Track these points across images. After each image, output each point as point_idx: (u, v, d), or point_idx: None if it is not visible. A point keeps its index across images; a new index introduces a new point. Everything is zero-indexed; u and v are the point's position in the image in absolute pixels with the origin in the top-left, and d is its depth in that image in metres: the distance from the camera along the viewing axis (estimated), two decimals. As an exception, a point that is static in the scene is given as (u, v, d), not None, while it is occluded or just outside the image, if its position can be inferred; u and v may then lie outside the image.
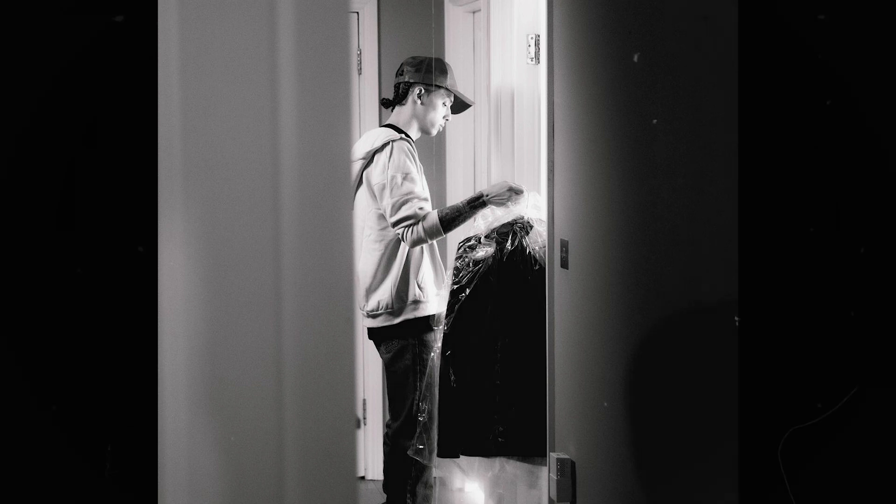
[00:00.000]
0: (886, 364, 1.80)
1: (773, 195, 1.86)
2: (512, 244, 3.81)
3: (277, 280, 1.33)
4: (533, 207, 3.90)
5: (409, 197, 3.98)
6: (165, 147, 1.29)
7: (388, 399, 4.26)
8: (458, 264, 3.88)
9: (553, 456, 3.16)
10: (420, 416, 4.06)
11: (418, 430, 4.05)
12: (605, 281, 2.77)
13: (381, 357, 4.24)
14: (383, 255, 4.09)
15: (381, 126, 4.49)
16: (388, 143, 4.05)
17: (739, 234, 1.92)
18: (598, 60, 2.79)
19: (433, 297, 4.12)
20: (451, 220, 3.98)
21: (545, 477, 3.42)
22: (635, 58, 2.16)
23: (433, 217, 3.97)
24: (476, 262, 3.84)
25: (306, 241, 1.34)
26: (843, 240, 1.82)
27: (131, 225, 1.30)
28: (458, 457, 3.89)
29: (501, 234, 3.85)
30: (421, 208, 3.98)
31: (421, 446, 4.04)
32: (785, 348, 1.87)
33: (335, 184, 1.35)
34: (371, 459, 5.23)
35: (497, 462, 3.83)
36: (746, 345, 1.90)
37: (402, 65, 4.27)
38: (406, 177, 4.00)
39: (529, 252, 3.80)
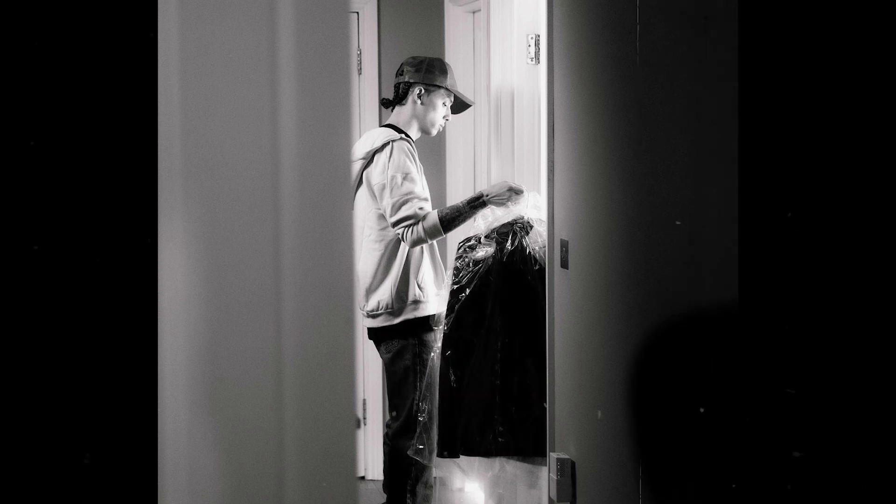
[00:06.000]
0: (887, 363, 1.80)
1: (774, 195, 1.86)
2: (512, 244, 3.81)
3: (277, 280, 1.33)
4: (533, 207, 3.90)
5: (409, 197, 3.98)
6: (165, 147, 1.29)
7: (388, 399, 4.26)
8: (458, 264, 3.88)
9: (553, 456, 3.16)
10: (420, 416, 4.06)
11: (418, 430, 4.05)
12: (605, 281, 2.77)
13: (381, 357, 4.24)
14: (383, 255, 4.09)
15: (381, 126, 4.49)
16: (388, 143, 4.05)
17: (739, 234, 1.92)
18: (598, 60, 2.79)
19: (433, 297, 4.13)
20: (451, 220, 3.98)
21: (545, 477, 3.42)
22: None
23: (433, 217, 3.97)
24: (476, 262, 3.84)
25: (306, 241, 1.34)
26: (843, 239, 1.82)
27: (131, 225, 1.30)
28: (458, 457, 3.89)
29: (501, 234, 3.85)
30: (421, 208, 3.98)
31: (421, 446, 4.04)
32: (785, 348, 1.87)
33: (335, 184, 1.35)
34: (371, 459, 5.23)
35: (497, 462, 3.83)
36: (747, 345, 1.90)
37: (402, 65, 4.27)
38: (406, 177, 4.00)
39: (529, 252, 3.80)
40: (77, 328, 1.29)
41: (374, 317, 4.14)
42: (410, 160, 4.04)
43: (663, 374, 2.41)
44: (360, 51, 5.16)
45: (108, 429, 1.30)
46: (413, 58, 4.28)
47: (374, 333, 4.21)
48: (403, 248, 4.07)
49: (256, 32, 1.31)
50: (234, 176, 1.32)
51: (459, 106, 4.32)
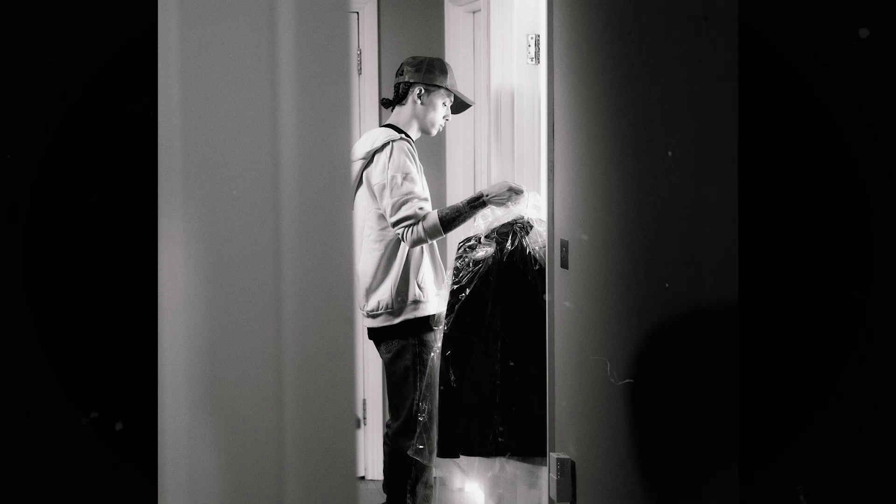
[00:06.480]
0: (888, 363, 1.80)
1: (774, 195, 1.86)
2: (512, 244, 3.81)
3: (277, 280, 1.33)
4: (533, 207, 3.90)
5: (409, 197, 3.98)
6: (165, 147, 1.29)
7: (388, 399, 4.26)
8: (458, 264, 3.88)
9: (553, 456, 3.16)
10: (420, 416, 4.06)
11: (418, 430, 4.05)
12: (605, 281, 2.77)
13: (381, 357, 4.24)
14: (383, 255, 4.09)
15: (381, 126, 4.49)
16: (388, 143, 4.05)
17: (739, 234, 1.92)
18: (598, 60, 2.79)
19: (433, 297, 4.13)
20: (451, 220, 3.98)
21: (545, 477, 3.42)
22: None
23: (433, 217, 3.97)
24: (476, 262, 3.84)
25: (306, 241, 1.33)
26: (843, 239, 1.82)
27: (131, 225, 1.30)
28: (458, 457, 3.89)
29: (501, 234, 3.85)
30: (421, 208, 3.98)
31: (421, 446, 4.04)
32: (786, 348, 1.87)
33: (335, 184, 1.35)
34: (371, 459, 5.23)
35: (497, 462, 3.83)
36: (747, 345, 1.90)
37: (402, 65, 4.27)
38: (406, 177, 4.00)
39: (529, 252, 3.80)
40: (77, 328, 1.29)
41: (374, 317, 4.14)
42: (410, 160, 4.04)
43: (663, 373, 2.41)
44: (360, 51, 5.16)
45: (108, 428, 1.30)
46: (413, 58, 4.27)
47: (374, 333, 4.21)
48: (403, 248, 4.07)
49: (256, 32, 1.31)
50: (234, 176, 1.32)
51: (459, 106, 4.32)
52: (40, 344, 1.29)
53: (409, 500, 4.15)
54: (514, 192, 3.91)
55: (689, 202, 2.23)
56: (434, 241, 4.11)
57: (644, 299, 2.49)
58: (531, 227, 3.85)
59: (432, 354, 4.05)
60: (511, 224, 3.87)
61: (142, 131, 1.29)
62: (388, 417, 4.29)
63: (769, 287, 1.87)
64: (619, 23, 2.62)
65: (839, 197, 1.82)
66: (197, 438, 1.32)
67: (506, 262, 3.80)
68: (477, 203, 3.97)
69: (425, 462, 4.08)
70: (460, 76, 4.74)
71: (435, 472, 4.20)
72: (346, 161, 1.37)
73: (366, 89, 5.15)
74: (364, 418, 5.27)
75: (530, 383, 3.68)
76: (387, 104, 4.34)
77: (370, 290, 4.13)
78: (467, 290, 3.82)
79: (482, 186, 4.67)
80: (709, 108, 2.11)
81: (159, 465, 1.31)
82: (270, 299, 1.33)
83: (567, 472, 3.08)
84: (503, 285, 3.79)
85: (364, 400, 5.26)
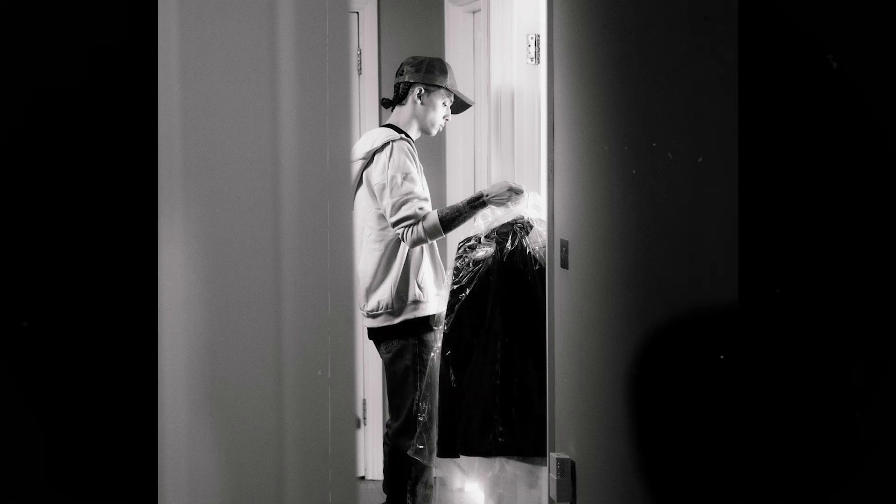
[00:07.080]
0: (889, 362, 1.80)
1: (774, 194, 1.86)
2: (512, 244, 3.81)
3: (277, 280, 1.33)
4: (533, 207, 3.90)
5: (409, 197, 3.98)
6: (165, 147, 1.29)
7: (388, 399, 4.26)
8: (458, 264, 3.88)
9: (553, 456, 3.16)
10: (420, 416, 4.06)
11: (418, 430, 4.05)
12: (605, 281, 2.77)
13: (381, 357, 4.24)
14: (383, 255, 4.10)
15: (381, 126, 4.49)
16: (388, 143, 4.05)
17: (739, 234, 1.92)
18: (598, 60, 2.79)
19: (433, 297, 4.13)
20: (451, 220, 3.98)
21: (545, 477, 3.42)
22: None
23: (433, 217, 3.97)
24: (476, 262, 3.84)
25: (306, 241, 1.34)
26: (843, 238, 1.82)
27: (131, 224, 1.30)
28: (458, 457, 3.89)
29: (501, 234, 3.85)
30: (421, 208, 3.99)
31: (421, 446, 4.04)
32: (786, 348, 1.87)
33: (335, 184, 1.35)
34: (371, 459, 5.23)
35: (497, 462, 3.83)
36: (747, 344, 1.90)
37: (402, 65, 4.27)
38: (406, 177, 4.00)
39: (529, 252, 3.80)
40: (77, 328, 1.29)
41: (374, 317, 4.14)
42: (410, 160, 4.04)
43: (663, 374, 2.41)
44: (360, 51, 5.16)
45: (108, 429, 1.30)
46: (413, 58, 4.28)
47: (374, 333, 4.21)
48: (403, 248, 4.07)
49: (256, 32, 1.31)
50: (234, 176, 1.32)
51: (459, 106, 4.32)
52: (41, 343, 1.29)
53: (409, 500, 4.15)
54: (514, 192, 3.91)
55: (689, 202, 2.23)
56: (434, 241, 4.11)
57: (644, 299, 2.49)
58: (531, 227, 3.85)
59: (432, 354, 4.05)
60: (511, 224, 3.87)
61: (142, 131, 1.29)
62: (388, 417, 4.29)
63: (769, 287, 1.87)
64: (619, 23, 2.62)
65: (839, 196, 1.82)
66: (197, 438, 1.32)
67: (506, 262, 3.80)
68: (477, 203, 3.97)
69: (425, 462, 4.08)
70: (460, 76, 4.74)
71: (435, 472, 4.20)
72: (346, 161, 1.37)
73: (366, 89, 5.15)
74: (364, 418, 5.27)
75: (530, 383, 3.68)
76: (387, 104, 4.34)
77: (370, 290, 4.14)
78: (467, 290, 3.82)
79: (482, 186, 4.67)
80: (709, 108, 2.11)
81: (159, 465, 1.31)
82: (270, 299, 1.33)
83: (567, 472, 3.08)
84: (503, 285, 3.79)
85: (364, 400, 5.26)
